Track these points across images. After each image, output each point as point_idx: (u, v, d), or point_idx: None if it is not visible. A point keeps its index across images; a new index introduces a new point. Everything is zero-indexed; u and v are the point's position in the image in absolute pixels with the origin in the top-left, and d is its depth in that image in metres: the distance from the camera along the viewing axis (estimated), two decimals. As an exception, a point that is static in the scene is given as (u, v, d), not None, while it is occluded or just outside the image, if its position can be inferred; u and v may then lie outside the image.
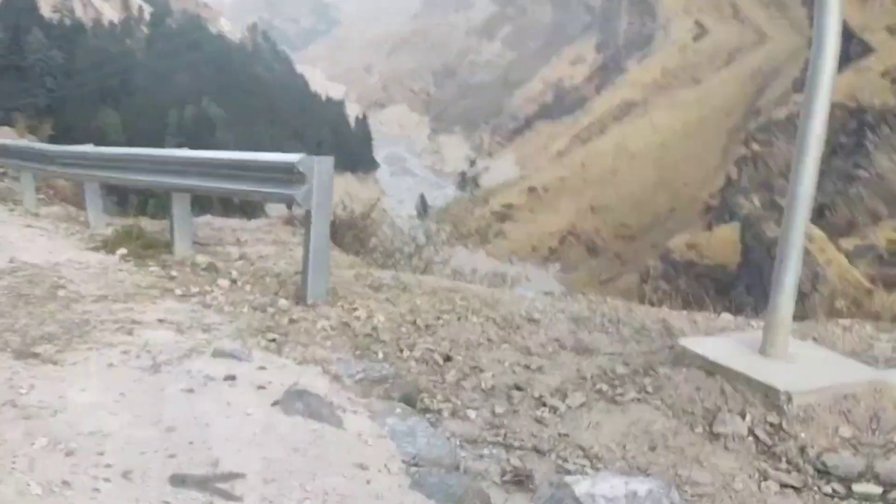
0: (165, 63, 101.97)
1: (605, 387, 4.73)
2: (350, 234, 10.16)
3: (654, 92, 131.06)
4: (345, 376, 4.47)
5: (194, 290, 6.29)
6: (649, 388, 4.57)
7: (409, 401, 4.43)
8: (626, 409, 4.41)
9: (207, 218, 11.47)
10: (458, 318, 5.92)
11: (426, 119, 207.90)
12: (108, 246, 7.90)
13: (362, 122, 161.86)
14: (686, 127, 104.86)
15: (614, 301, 6.98)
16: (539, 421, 4.39)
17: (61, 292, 5.90)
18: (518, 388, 4.81)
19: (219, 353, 4.49)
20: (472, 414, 4.51)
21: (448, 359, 5.23)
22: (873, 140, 58.34)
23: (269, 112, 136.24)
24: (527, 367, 5.15)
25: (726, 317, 6.56)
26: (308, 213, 6.04)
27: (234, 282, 6.69)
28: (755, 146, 71.94)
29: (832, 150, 63.33)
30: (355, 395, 4.26)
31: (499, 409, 4.56)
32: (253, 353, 4.64)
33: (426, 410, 4.51)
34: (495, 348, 5.48)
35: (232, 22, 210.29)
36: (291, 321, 5.57)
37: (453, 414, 4.52)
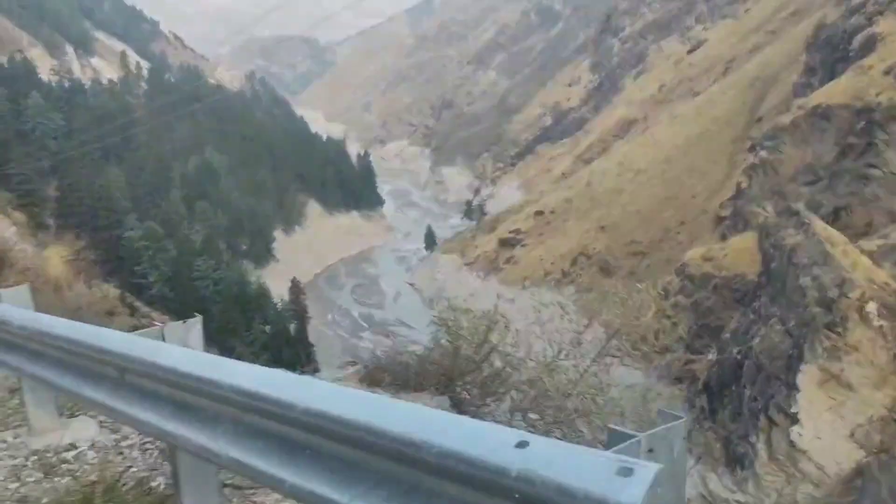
0: (166, 117, 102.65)
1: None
2: (469, 384, 8.02)
3: (652, 108, 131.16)
4: None
5: None
6: None
7: None
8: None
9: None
10: None
11: (427, 151, 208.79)
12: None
13: (364, 159, 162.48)
14: (688, 140, 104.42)
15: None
16: None
17: None
18: None
19: None
20: None
21: None
22: (883, 138, 57.67)
23: (272, 157, 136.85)
24: None
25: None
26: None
27: None
28: (763, 153, 71.24)
29: (842, 151, 62.70)
30: None
31: None
32: None
33: None
34: None
35: (230, 71, 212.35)
36: None
37: None
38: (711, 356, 61.51)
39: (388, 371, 8.82)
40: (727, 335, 57.35)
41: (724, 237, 75.47)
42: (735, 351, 50.28)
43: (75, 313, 12.21)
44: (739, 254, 65.57)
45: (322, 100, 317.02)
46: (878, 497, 39.48)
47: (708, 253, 68.06)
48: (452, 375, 7.64)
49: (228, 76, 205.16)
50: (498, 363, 8.22)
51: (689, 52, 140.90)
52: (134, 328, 17.18)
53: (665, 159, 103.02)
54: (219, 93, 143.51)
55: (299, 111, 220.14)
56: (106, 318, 14.95)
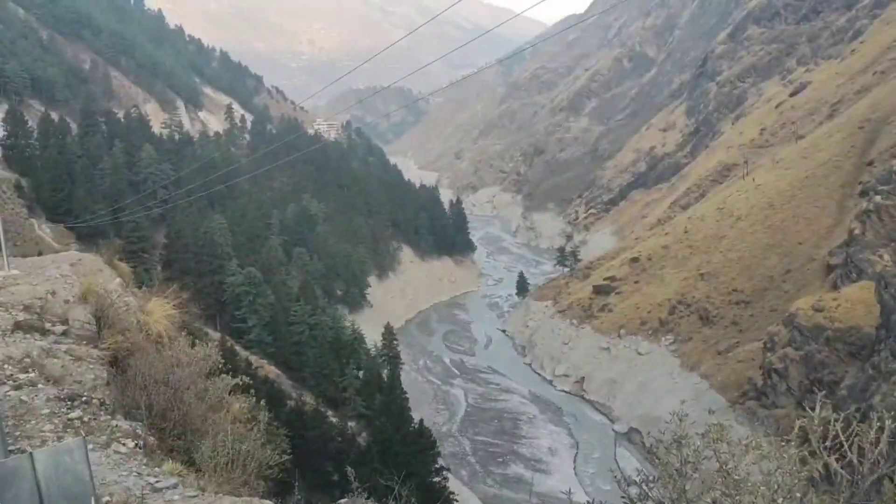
0: (267, 166, 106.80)
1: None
2: None
3: (752, 152, 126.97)
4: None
5: None
6: None
7: None
8: None
9: None
10: None
11: (519, 198, 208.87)
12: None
13: (456, 205, 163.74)
14: (792, 185, 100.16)
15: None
16: None
17: None
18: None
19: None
20: None
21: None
22: None
23: (367, 204, 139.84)
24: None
25: None
26: None
27: None
28: (877, 199, 67.34)
29: (967, 195, 58.41)
30: None
31: None
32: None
33: None
34: None
35: (327, 122, 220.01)
36: None
37: None
38: (826, 413, 57.60)
39: None
40: (843, 391, 53.68)
41: (835, 286, 71.39)
42: (853, 409, 46.90)
43: (175, 373, 12.13)
44: (854, 304, 61.73)
45: (415, 148, 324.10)
46: None
47: (819, 303, 64.34)
48: None
49: (326, 126, 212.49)
50: None
51: (792, 94, 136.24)
52: (232, 389, 17.10)
53: (768, 205, 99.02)
54: (316, 142, 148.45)
55: (393, 159, 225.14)
56: (206, 379, 14.92)
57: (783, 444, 5.59)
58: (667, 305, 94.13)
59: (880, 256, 60.42)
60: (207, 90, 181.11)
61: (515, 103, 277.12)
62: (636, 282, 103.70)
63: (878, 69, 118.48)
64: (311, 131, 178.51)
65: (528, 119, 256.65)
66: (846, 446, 6.01)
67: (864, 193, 75.38)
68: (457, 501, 56.26)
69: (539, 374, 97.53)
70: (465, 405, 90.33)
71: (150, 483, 7.70)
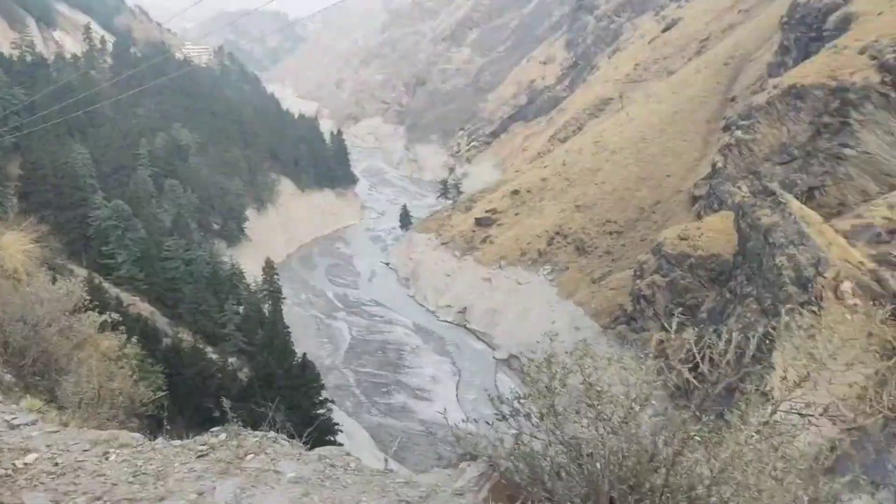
0: (132, 92, 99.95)
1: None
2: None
3: (627, 87, 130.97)
4: None
5: None
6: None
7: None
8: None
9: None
10: None
11: (401, 129, 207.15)
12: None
13: (337, 137, 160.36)
14: (663, 120, 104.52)
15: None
16: None
17: None
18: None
19: None
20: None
21: None
22: (858, 118, 57.90)
23: (243, 134, 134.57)
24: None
25: None
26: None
27: None
28: (738, 133, 71.44)
29: (816, 131, 62.96)
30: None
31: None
32: None
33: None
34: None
35: (197, 46, 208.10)
36: None
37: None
38: (686, 335, 61.92)
39: (529, 480, 5.40)
40: (703, 314, 57.72)
41: (699, 216, 75.85)
42: (711, 330, 50.64)
43: (34, 310, 11.40)
44: (715, 233, 65.97)
45: (293, 76, 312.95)
46: (851, 472, 40.06)
47: (684, 232, 68.32)
48: (636, 486, 5.29)
49: (196, 51, 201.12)
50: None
51: (664, 30, 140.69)
52: (101, 326, 16.28)
53: (640, 138, 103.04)
54: (186, 68, 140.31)
55: (270, 87, 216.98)
56: (70, 316, 14.08)
57: (642, 357, 5.89)
58: (545, 237, 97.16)
59: (739, 188, 64.48)
60: (62, 7, 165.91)
61: (397, 32, 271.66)
62: (516, 214, 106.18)
63: (743, 7, 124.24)
64: (180, 56, 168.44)
65: (410, 48, 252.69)
66: (699, 359, 6.42)
67: (726, 128, 79.68)
68: (342, 432, 56.98)
69: (422, 306, 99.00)
70: (349, 338, 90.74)
71: (5, 420, 7.30)
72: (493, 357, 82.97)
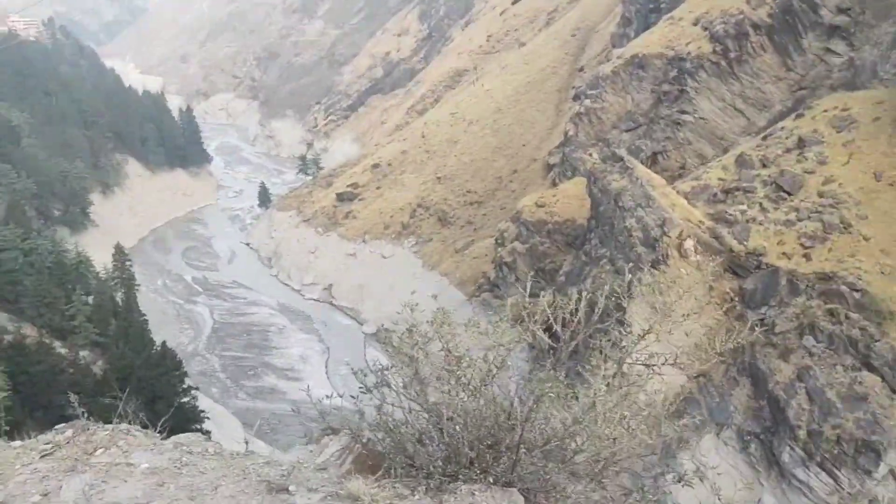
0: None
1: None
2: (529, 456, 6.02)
3: (481, 58, 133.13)
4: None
5: None
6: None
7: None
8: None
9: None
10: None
11: (255, 105, 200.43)
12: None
13: (187, 114, 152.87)
14: (517, 90, 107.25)
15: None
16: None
17: None
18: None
19: None
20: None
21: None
22: (693, 86, 61.98)
23: (82, 113, 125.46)
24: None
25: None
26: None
27: None
28: (587, 102, 74.61)
29: (657, 99, 66.78)
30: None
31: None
32: None
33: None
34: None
35: (23, 18, 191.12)
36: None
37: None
38: (548, 298, 64.49)
39: (391, 449, 5.89)
40: (562, 277, 60.28)
41: (554, 184, 78.80)
42: (570, 292, 53.06)
43: None
44: (570, 199, 68.84)
45: (134, 50, 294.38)
46: (699, 415, 43.50)
47: (540, 199, 70.79)
48: (494, 444, 5.43)
49: (23, 24, 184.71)
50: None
51: (514, 2, 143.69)
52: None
53: (496, 109, 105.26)
54: (12, 41, 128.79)
55: (109, 63, 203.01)
56: None
57: (497, 322, 6.08)
58: (408, 209, 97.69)
59: (590, 155, 67.46)
60: None
61: (245, 3, 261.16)
62: (378, 188, 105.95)
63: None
64: (3, 29, 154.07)
65: (260, 21, 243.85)
66: (552, 320, 6.71)
67: (576, 98, 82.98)
68: (208, 419, 55.29)
69: (287, 285, 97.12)
70: (211, 322, 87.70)
71: None
72: (362, 332, 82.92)
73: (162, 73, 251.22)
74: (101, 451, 5.68)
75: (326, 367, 76.18)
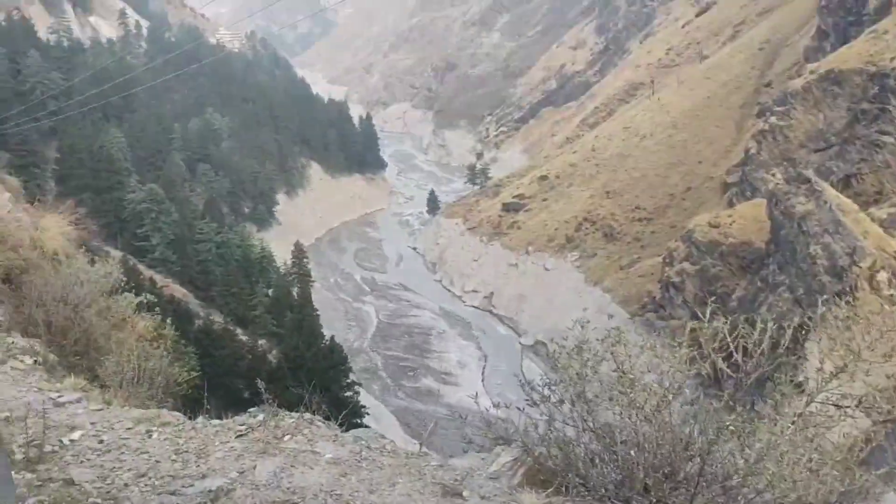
0: (166, 77, 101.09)
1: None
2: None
3: (659, 72, 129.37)
4: None
5: None
6: None
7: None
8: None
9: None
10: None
11: (430, 114, 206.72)
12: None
13: (367, 121, 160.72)
14: (695, 105, 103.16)
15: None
16: None
17: None
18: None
19: None
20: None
21: None
22: (897, 104, 56.73)
23: (274, 119, 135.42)
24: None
25: None
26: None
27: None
28: (773, 119, 70.29)
29: (853, 117, 61.73)
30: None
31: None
32: None
33: None
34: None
35: (230, 31, 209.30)
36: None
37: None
38: (717, 324, 61.31)
39: (563, 466, 5.77)
40: (734, 303, 57.15)
41: (731, 204, 74.91)
42: (743, 319, 50.19)
43: (74, 291, 11.66)
44: (747, 221, 65.10)
45: (323, 61, 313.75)
46: (885, 463, 39.68)
47: (715, 219, 67.53)
48: (671, 474, 5.25)
49: (229, 36, 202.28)
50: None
51: (698, 14, 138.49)
52: (137, 307, 16.62)
53: (671, 124, 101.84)
54: (219, 52, 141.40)
55: (301, 72, 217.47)
56: (108, 297, 14.41)
57: (675, 346, 5.92)
58: (573, 223, 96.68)
59: (773, 175, 63.52)
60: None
61: (426, 17, 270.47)
62: (544, 199, 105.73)
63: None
64: (213, 41, 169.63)
65: (439, 33, 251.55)
66: (732, 348, 6.43)
67: (760, 114, 78.45)
68: (368, 414, 57.53)
69: (449, 291, 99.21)
70: (376, 321, 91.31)
71: (51, 398, 7.52)
72: (519, 343, 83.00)
73: (347, 82, 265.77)
74: (288, 437, 6.16)
75: (483, 374, 76.93)
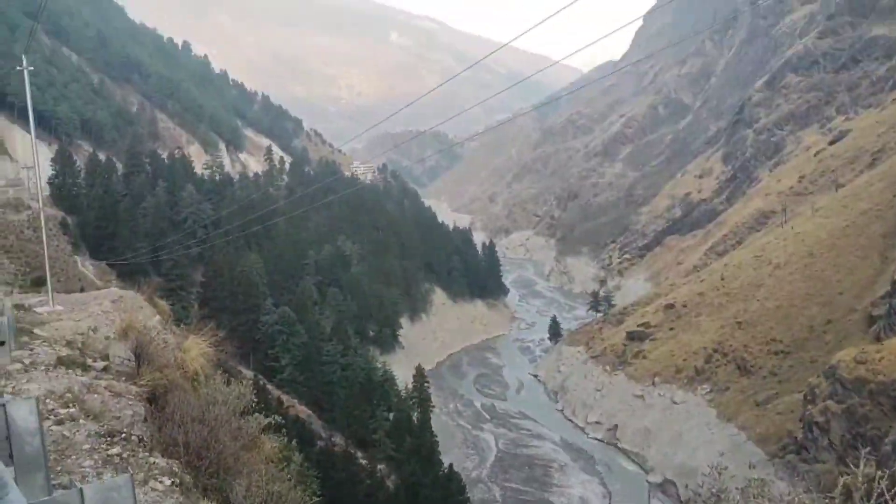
0: (304, 207, 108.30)
1: None
2: None
3: (791, 200, 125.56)
4: None
5: None
6: None
7: None
8: None
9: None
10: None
11: (552, 241, 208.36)
12: None
13: (489, 248, 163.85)
14: (832, 234, 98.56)
15: None
16: None
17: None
18: None
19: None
20: None
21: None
22: None
23: (401, 245, 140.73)
24: None
25: None
26: None
27: None
28: (921, 249, 65.85)
29: None
30: None
31: None
32: None
33: None
34: None
35: (364, 164, 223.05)
36: None
37: None
38: (869, 470, 55.69)
39: None
40: (888, 447, 51.92)
41: (878, 338, 69.53)
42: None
43: (210, 411, 12.16)
44: (898, 357, 60.07)
45: (449, 191, 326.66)
46: None
47: (861, 355, 62.65)
48: None
49: (363, 169, 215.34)
50: None
51: (831, 143, 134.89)
52: (264, 428, 17.21)
53: (807, 253, 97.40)
54: (353, 184, 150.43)
55: (427, 202, 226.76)
56: (239, 418, 15.04)
57: (826, 501, 5.48)
58: (703, 354, 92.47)
59: (925, 308, 58.84)
60: (249, 132, 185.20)
61: (550, 148, 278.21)
62: (671, 329, 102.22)
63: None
64: (347, 174, 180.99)
65: (562, 164, 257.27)
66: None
67: (907, 243, 73.70)
68: (486, 550, 55.26)
69: (571, 421, 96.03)
70: (495, 450, 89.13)
71: (187, 522, 7.75)
72: (647, 480, 78.29)
73: (471, 210, 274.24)
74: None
75: (607, 513, 72.70)
